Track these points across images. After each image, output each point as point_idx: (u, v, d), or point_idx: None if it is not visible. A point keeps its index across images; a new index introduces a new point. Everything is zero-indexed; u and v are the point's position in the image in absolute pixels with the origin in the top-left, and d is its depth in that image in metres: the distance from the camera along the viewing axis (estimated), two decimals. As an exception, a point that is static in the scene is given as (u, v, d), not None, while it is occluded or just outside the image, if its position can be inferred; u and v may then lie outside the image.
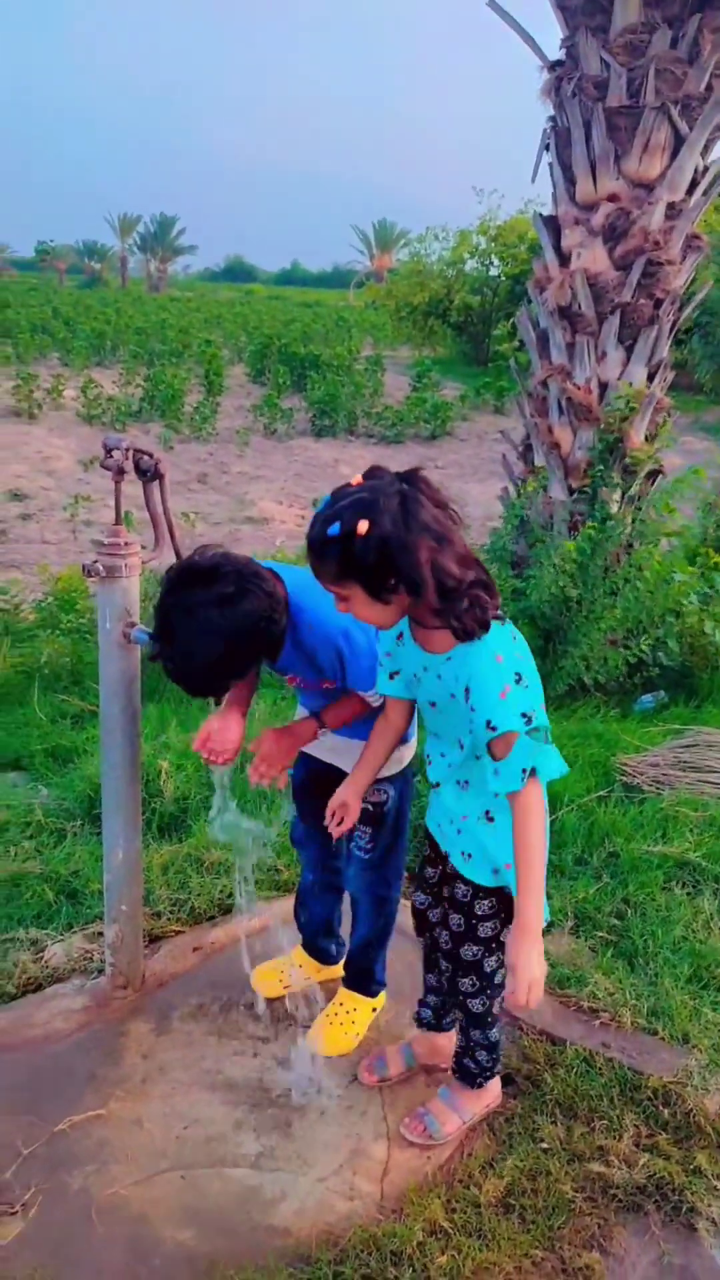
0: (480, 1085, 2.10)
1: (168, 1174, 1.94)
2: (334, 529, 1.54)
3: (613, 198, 4.53)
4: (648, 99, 4.31)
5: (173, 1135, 2.03)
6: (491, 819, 1.83)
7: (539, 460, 4.95)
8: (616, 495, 4.64)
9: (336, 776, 2.09)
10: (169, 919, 2.71)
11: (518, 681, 1.64)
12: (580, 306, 4.65)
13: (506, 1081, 2.21)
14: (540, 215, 4.98)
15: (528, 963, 1.65)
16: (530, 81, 4.82)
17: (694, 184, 4.53)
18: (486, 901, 1.90)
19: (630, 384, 4.63)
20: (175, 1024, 2.34)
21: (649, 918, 2.83)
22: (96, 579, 2.09)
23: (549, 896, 2.86)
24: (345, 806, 1.95)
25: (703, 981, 2.59)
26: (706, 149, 4.51)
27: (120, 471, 2.04)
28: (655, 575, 4.38)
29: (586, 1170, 1.98)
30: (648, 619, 4.41)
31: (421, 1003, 2.24)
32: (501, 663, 1.63)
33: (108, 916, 2.36)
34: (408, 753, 2.18)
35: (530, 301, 5.03)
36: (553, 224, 4.87)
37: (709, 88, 4.34)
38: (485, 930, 1.92)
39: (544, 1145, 2.04)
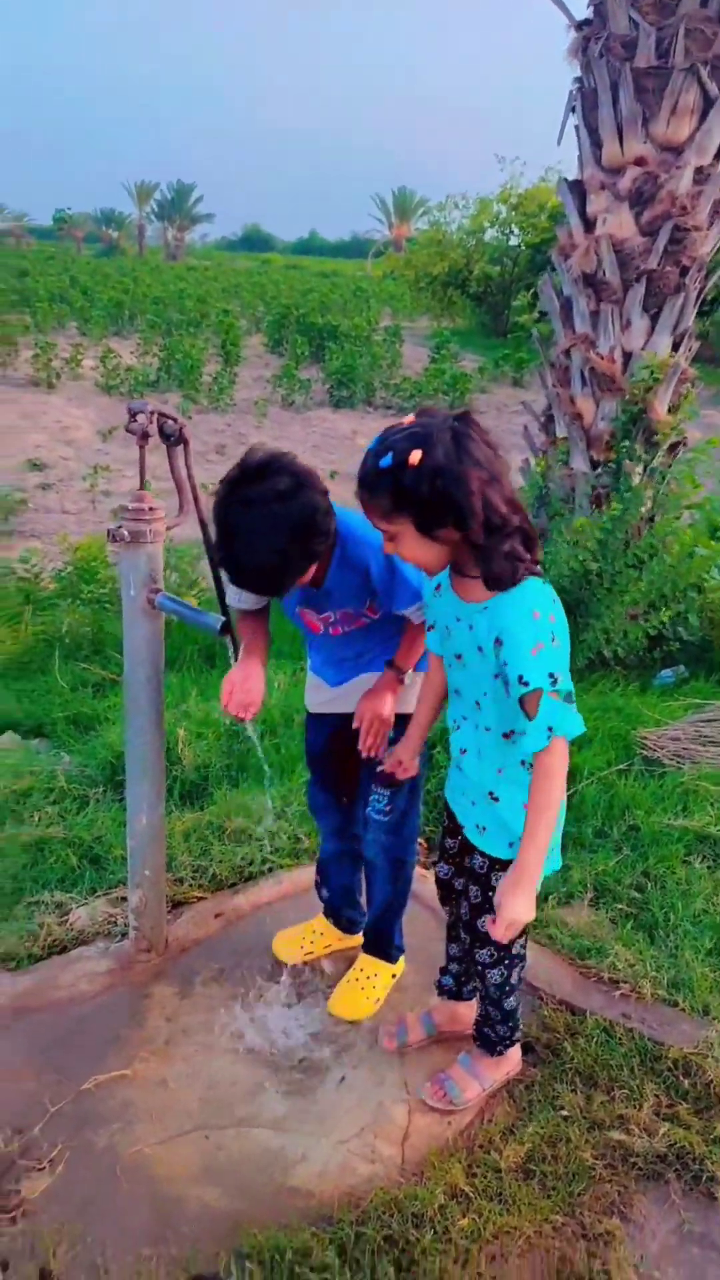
0: (500, 1053, 2.11)
1: (191, 1134, 1.97)
2: (387, 460, 1.54)
3: (640, 161, 4.43)
4: (677, 59, 4.19)
5: (196, 1096, 2.06)
6: (496, 799, 1.84)
7: (560, 431, 4.89)
8: (639, 467, 4.59)
9: (351, 739, 2.12)
10: (190, 885, 2.73)
11: (552, 641, 1.63)
12: (605, 274, 4.57)
13: (526, 1049, 2.22)
14: (565, 180, 4.88)
15: (513, 904, 1.67)
16: (557, 46, 4.72)
17: (723, 148, 4.42)
18: (503, 873, 1.90)
19: (655, 354, 4.55)
20: (198, 988, 2.37)
21: (669, 890, 2.83)
22: (121, 544, 2.09)
23: (568, 868, 2.88)
24: (401, 764, 2.05)
25: (724, 954, 2.59)
26: (736, 112, 4.40)
27: (145, 436, 2.03)
28: (681, 548, 4.34)
29: (607, 1138, 2.00)
30: (670, 592, 4.38)
31: (443, 970, 2.25)
32: (538, 619, 1.62)
33: (131, 881, 2.37)
34: None
35: (553, 269, 4.94)
36: (578, 188, 4.77)
37: (740, 48, 4.22)
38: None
39: (564, 1113, 2.05)
